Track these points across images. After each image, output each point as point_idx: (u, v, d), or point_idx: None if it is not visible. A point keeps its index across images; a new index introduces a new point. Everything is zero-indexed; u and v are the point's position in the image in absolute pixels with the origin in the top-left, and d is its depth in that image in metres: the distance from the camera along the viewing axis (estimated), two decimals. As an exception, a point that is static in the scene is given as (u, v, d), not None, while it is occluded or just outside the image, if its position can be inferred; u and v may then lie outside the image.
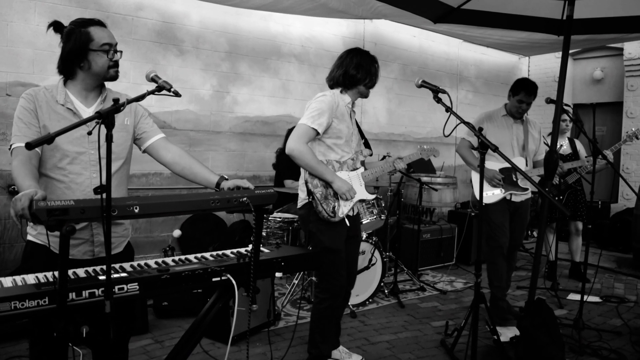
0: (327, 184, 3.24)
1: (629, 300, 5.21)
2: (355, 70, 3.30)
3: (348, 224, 3.35)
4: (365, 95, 3.44)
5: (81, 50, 2.19)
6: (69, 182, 2.21)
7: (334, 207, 3.26)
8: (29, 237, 2.29)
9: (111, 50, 2.25)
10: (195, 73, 5.77)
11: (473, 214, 4.52)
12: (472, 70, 8.87)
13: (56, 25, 2.26)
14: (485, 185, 4.36)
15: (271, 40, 6.35)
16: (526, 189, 4.39)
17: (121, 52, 2.32)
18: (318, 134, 3.20)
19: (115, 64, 2.29)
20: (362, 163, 3.52)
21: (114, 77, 2.31)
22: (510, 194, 4.34)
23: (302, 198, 3.33)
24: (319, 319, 3.38)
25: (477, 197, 4.48)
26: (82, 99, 2.28)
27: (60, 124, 2.08)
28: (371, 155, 3.64)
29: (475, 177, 4.52)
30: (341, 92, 3.37)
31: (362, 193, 3.41)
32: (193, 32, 5.70)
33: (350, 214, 3.38)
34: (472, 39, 7.59)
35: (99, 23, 2.27)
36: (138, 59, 5.32)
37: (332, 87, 3.42)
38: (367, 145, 3.67)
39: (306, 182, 3.24)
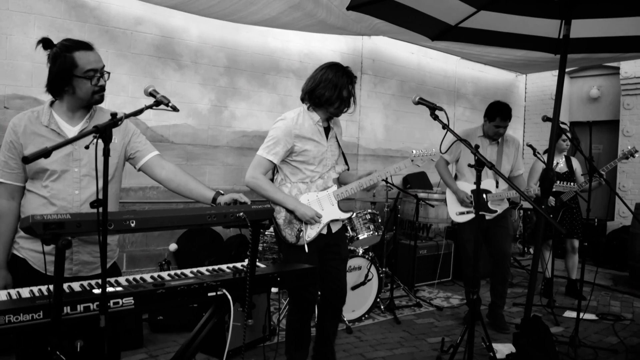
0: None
1: (625, 318, 5.20)
2: (324, 90, 3.08)
3: (307, 250, 3.17)
4: (336, 115, 3.23)
5: (65, 76, 2.19)
6: (50, 198, 2.20)
7: (299, 231, 3.16)
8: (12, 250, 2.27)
9: (96, 76, 2.22)
10: (193, 87, 5.79)
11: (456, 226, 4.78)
12: (470, 88, 8.92)
13: (45, 43, 2.25)
14: (459, 205, 4.76)
15: (270, 56, 6.39)
16: (495, 212, 4.66)
17: (109, 73, 2.29)
18: (274, 164, 3.16)
19: (101, 89, 2.25)
20: (336, 180, 3.37)
21: (99, 102, 2.29)
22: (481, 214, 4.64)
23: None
24: (291, 330, 3.42)
25: (451, 216, 4.82)
26: (67, 118, 2.29)
27: (43, 146, 2.07)
28: (348, 170, 3.52)
29: (449, 195, 4.83)
30: (308, 108, 3.20)
31: (333, 213, 3.23)
32: (192, 46, 5.73)
33: (324, 232, 3.26)
34: (469, 56, 7.65)
35: (86, 47, 2.22)
36: (137, 73, 5.34)
37: (302, 100, 3.23)
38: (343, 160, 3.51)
39: None
